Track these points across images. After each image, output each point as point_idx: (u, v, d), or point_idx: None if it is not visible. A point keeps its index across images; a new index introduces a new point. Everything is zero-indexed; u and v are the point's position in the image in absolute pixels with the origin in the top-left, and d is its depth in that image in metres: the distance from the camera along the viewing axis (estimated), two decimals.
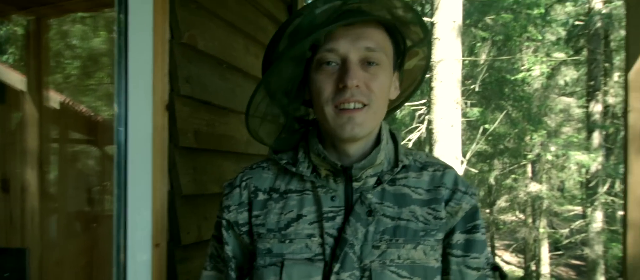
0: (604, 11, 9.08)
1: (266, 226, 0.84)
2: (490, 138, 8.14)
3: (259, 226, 0.85)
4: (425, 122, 5.07)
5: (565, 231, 9.48)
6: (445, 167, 0.89)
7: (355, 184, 0.83)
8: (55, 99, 2.46)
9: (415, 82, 0.98)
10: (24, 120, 2.20)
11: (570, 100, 10.85)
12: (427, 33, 0.89)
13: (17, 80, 2.37)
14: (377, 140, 0.85)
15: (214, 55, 1.47)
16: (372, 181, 0.83)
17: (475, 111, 6.25)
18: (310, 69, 0.83)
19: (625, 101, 1.59)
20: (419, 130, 5.27)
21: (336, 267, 0.78)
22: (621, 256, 1.82)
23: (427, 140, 5.49)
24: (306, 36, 0.78)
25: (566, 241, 9.66)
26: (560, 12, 10.78)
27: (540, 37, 7.75)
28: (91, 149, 2.28)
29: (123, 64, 1.23)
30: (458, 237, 0.85)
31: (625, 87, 1.60)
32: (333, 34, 0.79)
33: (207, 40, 1.43)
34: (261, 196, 0.87)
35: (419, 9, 8.65)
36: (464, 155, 5.45)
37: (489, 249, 0.88)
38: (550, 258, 10.77)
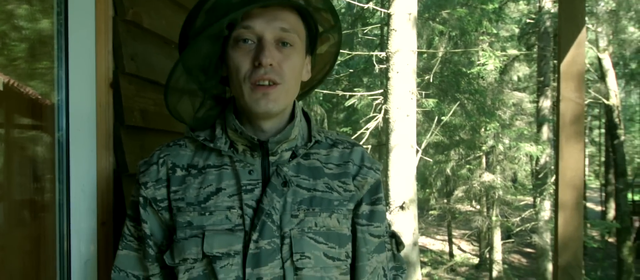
0: (552, 10, 9.52)
1: (185, 200, 0.86)
2: (446, 129, 8.40)
3: (178, 201, 0.87)
4: (382, 112, 5.18)
5: (517, 220, 9.92)
6: (353, 145, 0.96)
7: (272, 158, 0.87)
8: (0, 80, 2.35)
9: (327, 66, 1.03)
10: None
11: (523, 95, 11.32)
12: (337, 20, 0.95)
13: None
14: (291, 118, 0.91)
15: (160, 34, 1.46)
16: (287, 155, 0.89)
17: (431, 102, 6.43)
18: (227, 46, 0.86)
19: (558, 90, 1.71)
20: (376, 120, 5.38)
21: (255, 236, 0.82)
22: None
23: (384, 129, 5.61)
24: (223, 14, 0.81)
25: (517, 229, 10.12)
26: (514, 9, 11.21)
27: (495, 32, 8.04)
28: (36, 133, 2.19)
29: (63, 41, 1.20)
30: (364, 208, 0.93)
31: (558, 77, 1.71)
32: (250, 13, 0.83)
33: (153, 18, 1.41)
34: (179, 172, 0.89)
35: (378, 0, 8.77)
36: (419, 145, 5.60)
37: (388, 218, 0.97)
38: (503, 245, 11.27)
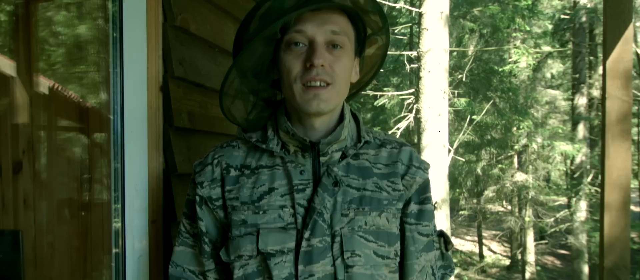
0: (589, 5, 9.23)
1: (240, 199, 0.90)
2: (477, 128, 8.26)
3: (233, 199, 0.91)
4: (414, 111, 5.14)
5: (551, 220, 9.67)
6: (402, 145, 0.98)
7: (322, 159, 0.90)
8: (45, 84, 2.46)
9: (374, 68, 1.05)
10: (13, 104, 2.21)
11: (557, 93, 11.02)
12: (385, 22, 0.97)
13: (6, 65, 2.37)
14: (340, 119, 0.93)
15: (206, 39, 1.51)
16: (337, 156, 0.91)
17: (463, 101, 6.34)
18: (280, 49, 0.89)
19: (603, 88, 1.67)
20: (407, 119, 5.34)
21: (307, 234, 0.85)
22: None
23: (415, 129, 5.56)
24: (276, 18, 0.84)
25: (551, 230, 9.86)
26: (547, 5, 10.91)
27: (528, 28, 7.85)
28: (82, 134, 2.29)
29: (118, 47, 1.26)
30: (412, 208, 0.94)
31: (604, 74, 1.67)
32: (301, 17, 0.86)
33: (199, 23, 1.46)
34: (233, 172, 0.93)
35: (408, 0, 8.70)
36: (451, 144, 5.53)
37: (442, 227, 0.98)
38: (536, 247, 11.00)
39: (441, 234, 1.00)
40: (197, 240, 0.96)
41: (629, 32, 1.47)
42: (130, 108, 1.26)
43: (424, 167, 0.96)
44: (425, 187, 0.96)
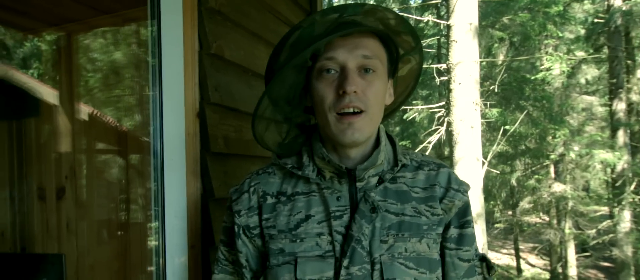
0: (624, 8, 8.93)
1: (277, 227, 0.89)
2: (511, 139, 8.05)
3: (270, 228, 0.90)
4: (445, 124, 5.06)
5: (592, 232, 9.27)
6: (439, 166, 0.95)
7: (359, 184, 0.88)
8: (85, 111, 2.56)
9: (409, 87, 1.03)
10: (57, 131, 2.30)
11: (593, 99, 10.65)
12: (418, 42, 0.95)
13: (49, 94, 2.48)
14: (376, 143, 0.91)
15: (239, 64, 1.53)
16: (374, 181, 0.89)
17: (495, 112, 6.20)
18: (311, 77, 0.88)
19: None
20: (438, 133, 5.26)
21: (345, 262, 0.83)
22: None
23: (447, 142, 5.47)
24: (307, 46, 0.84)
25: (593, 242, 9.44)
26: (578, 10, 10.63)
27: (560, 35, 7.65)
28: (120, 158, 2.36)
29: (157, 75, 1.30)
30: (452, 232, 0.91)
31: None
32: (332, 43, 0.85)
33: (232, 49, 1.49)
34: (270, 200, 0.92)
35: (435, 12, 8.64)
36: (484, 157, 5.41)
37: (477, 242, 0.94)
38: (577, 260, 10.54)
39: (483, 258, 0.96)
40: (236, 267, 0.96)
41: None
42: (169, 134, 1.29)
43: (463, 189, 0.93)
44: (465, 209, 0.93)
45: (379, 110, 0.89)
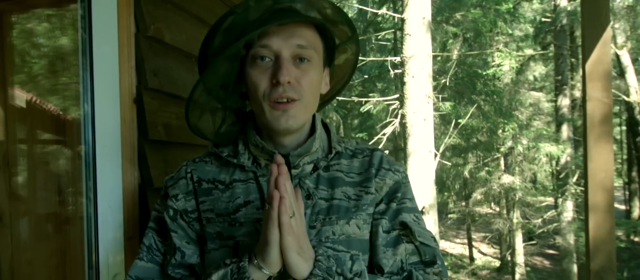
0: (569, 8, 9.38)
1: (215, 211, 0.88)
2: (463, 132, 8.31)
3: (207, 212, 0.89)
4: (399, 117, 5.14)
5: (538, 221, 9.73)
6: (373, 150, 0.96)
7: (294, 171, 0.88)
8: (21, 97, 2.40)
9: (346, 76, 1.03)
10: None
11: (540, 95, 11.14)
12: (354, 32, 0.95)
13: None
14: (311, 131, 0.91)
15: (181, 48, 1.47)
16: (309, 168, 0.89)
17: (448, 105, 6.37)
18: (245, 64, 0.86)
19: (584, 91, 1.67)
20: (392, 125, 5.34)
21: None
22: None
23: (401, 134, 5.57)
24: (240, 33, 0.82)
25: (539, 231, 9.93)
26: (528, 9, 11.07)
27: (510, 32, 7.94)
28: (60, 148, 2.23)
29: (88, 58, 1.22)
30: (380, 207, 0.90)
31: (583, 77, 1.68)
32: (266, 31, 0.83)
33: (174, 33, 1.43)
34: (205, 185, 0.91)
35: (390, 5, 8.75)
36: (437, 149, 5.55)
37: (409, 215, 0.91)
38: (525, 248, 11.06)
39: (404, 224, 0.90)
40: (166, 256, 0.91)
41: (607, 34, 1.47)
42: (102, 121, 1.23)
43: (395, 169, 0.93)
44: (396, 189, 0.91)
45: (314, 99, 0.88)
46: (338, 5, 0.90)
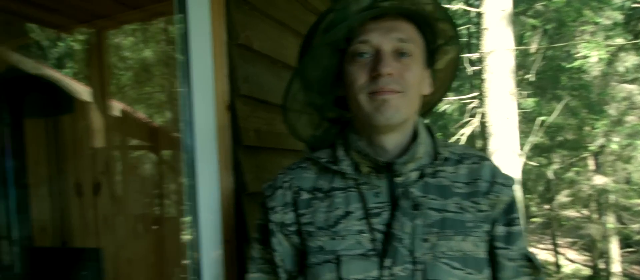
0: None
1: (315, 224, 0.84)
2: (547, 130, 7.77)
3: (307, 225, 0.85)
4: (479, 116, 4.92)
5: (637, 226, 8.86)
6: (482, 159, 0.88)
7: (398, 179, 0.82)
8: (117, 107, 2.60)
9: (447, 81, 0.97)
10: (91, 128, 2.34)
11: (633, 88, 10.16)
12: (455, 31, 0.89)
13: (82, 91, 2.53)
14: (414, 135, 0.85)
15: (268, 55, 1.50)
16: (414, 175, 0.83)
17: (531, 102, 5.98)
18: (345, 62, 0.83)
19: None
20: (471, 124, 5.11)
21: (388, 262, 0.78)
22: None
23: (481, 134, 5.32)
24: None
25: (639, 237, 9.03)
26: None
27: (597, 20, 7.32)
28: (153, 153, 2.39)
29: (186, 69, 1.28)
30: (500, 230, 0.84)
31: None
32: (365, 26, 0.80)
33: (261, 40, 1.46)
34: (305, 195, 0.87)
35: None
36: (521, 149, 5.23)
37: (525, 241, 0.86)
38: (622, 255, 10.11)
39: (528, 258, 0.87)
40: (272, 266, 0.92)
41: None
42: (201, 128, 1.27)
43: (509, 183, 0.86)
44: (511, 205, 0.85)
45: (417, 95, 0.83)
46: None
